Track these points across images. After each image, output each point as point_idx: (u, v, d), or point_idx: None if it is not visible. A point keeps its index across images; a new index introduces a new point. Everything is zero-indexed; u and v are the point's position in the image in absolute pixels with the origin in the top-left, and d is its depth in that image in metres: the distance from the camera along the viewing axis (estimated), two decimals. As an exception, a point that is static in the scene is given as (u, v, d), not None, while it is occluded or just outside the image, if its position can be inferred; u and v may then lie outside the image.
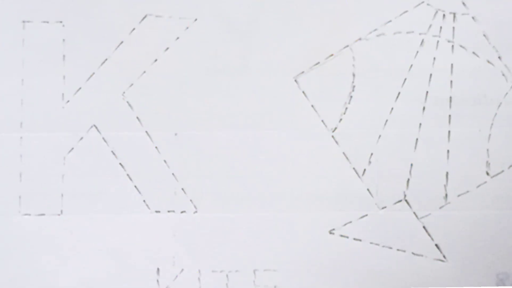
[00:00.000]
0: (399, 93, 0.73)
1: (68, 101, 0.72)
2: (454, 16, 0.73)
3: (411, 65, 0.73)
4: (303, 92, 0.73)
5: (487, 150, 0.73)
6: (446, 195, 0.74)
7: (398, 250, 0.74)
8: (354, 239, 0.73)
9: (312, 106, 0.73)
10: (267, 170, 0.73)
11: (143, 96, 0.72)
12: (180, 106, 0.72)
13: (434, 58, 0.73)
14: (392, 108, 0.73)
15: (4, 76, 0.71)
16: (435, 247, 0.74)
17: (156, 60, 0.72)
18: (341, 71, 0.73)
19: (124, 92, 0.72)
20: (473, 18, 0.73)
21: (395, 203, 0.74)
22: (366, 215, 0.73)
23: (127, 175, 0.72)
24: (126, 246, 0.72)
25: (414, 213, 0.74)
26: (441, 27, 0.73)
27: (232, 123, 0.73)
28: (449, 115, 0.73)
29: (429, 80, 0.73)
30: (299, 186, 0.73)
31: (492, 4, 0.73)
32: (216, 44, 0.73)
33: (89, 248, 0.72)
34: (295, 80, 0.73)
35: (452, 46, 0.73)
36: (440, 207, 0.74)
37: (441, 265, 0.74)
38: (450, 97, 0.73)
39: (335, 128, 0.73)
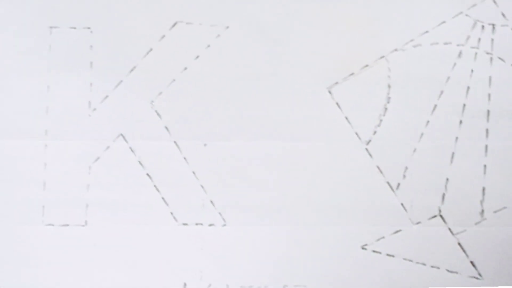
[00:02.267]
0: (435, 105, 0.72)
1: (94, 109, 0.71)
2: (493, 28, 0.72)
3: (448, 77, 0.72)
4: (336, 103, 0.72)
5: (525, 165, 0.72)
6: (482, 210, 0.73)
7: (432, 266, 0.72)
8: (387, 254, 0.72)
9: (345, 117, 0.72)
10: (298, 183, 0.72)
11: (172, 105, 0.71)
12: (210, 115, 0.71)
13: (472, 70, 0.72)
14: (428, 121, 0.72)
15: (30, 82, 0.70)
16: (470, 264, 0.73)
17: (185, 68, 0.71)
18: (376, 82, 0.72)
19: (152, 101, 0.71)
20: (512, 29, 0.73)
21: (430, 219, 0.72)
22: (400, 230, 0.72)
23: (154, 186, 0.71)
24: (152, 259, 0.71)
25: (449, 229, 0.72)
26: (479, 39, 0.72)
27: (263, 134, 0.71)
28: (487, 129, 0.72)
29: (467, 93, 0.72)
30: (331, 200, 0.72)
31: (531, 16, 0.72)
32: (248, 53, 0.72)
33: (113, 260, 0.71)
34: (329, 91, 0.72)
35: (491, 58, 0.72)
36: (476, 223, 0.73)
37: (476, 283, 0.73)
38: (488, 110, 0.72)
39: (369, 141, 0.72)
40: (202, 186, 0.72)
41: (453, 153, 0.72)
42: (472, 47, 0.72)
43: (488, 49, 0.72)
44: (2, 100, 0.70)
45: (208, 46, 0.71)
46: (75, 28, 0.70)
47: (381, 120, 0.72)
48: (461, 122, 0.72)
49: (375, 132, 0.72)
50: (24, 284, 0.70)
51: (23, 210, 0.70)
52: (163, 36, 0.71)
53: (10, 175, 0.70)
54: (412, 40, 0.72)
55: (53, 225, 0.71)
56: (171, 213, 0.71)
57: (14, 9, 0.70)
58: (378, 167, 0.72)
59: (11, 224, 0.70)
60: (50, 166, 0.70)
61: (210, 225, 0.72)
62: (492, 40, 0.72)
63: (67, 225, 0.71)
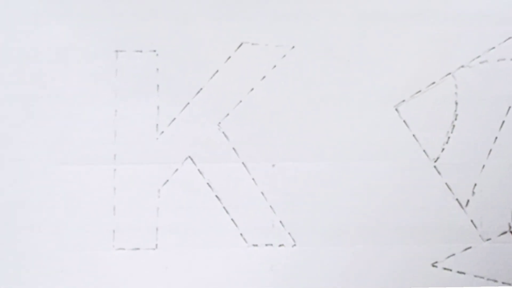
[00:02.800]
0: (503, 121, 0.72)
1: (162, 132, 0.71)
2: (561, 42, 0.72)
3: (516, 93, 0.72)
4: (404, 121, 0.72)
5: None
6: (552, 226, 0.72)
7: (503, 283, 0.72)
8: (458, 272, 0.72)
9: (413, 135, 0.72)
10: (367, 202, 0.71)
11: (239, 126, 0.71)
12: (278, 136, 0.71)
13: (540, 86, 0.72)
14: (496, 137, 0.71)
15: (97, 107, 0.70)
16: (541, 280, 0.72)
17: (252, 89, 0.71)
18: (443, 99, 0.72)
19: (219, 123, 0.71)
20: None
21: (500, 235, 0.72)
22: (470, 247, 0.72)
23: (223, 207, 0.71)
24: (223, 282, 0.71)
25: (520, 245, 0.72)
26: (547, 54, 0.72)
27: (330, 154, 0.71)
28: (556, 144, 0.72)
29: (535, 108, 0.72)
30: (400, 218, 0.71)
31: None
32: (314, 73, 0.71)
33: (184, 284, 0.71)
34: (396, 109, 0.72)
35: (559, 73, 0.72)
36: (546, 239, 0.72)
37: (547, 299, 0.72)
38: (557, 126, 0.72)
39: (437, 158, 0.72)
40: (271, 207, 0.71)
41: (522, 169, 0.72)
42: (540, 63, 0.72)
43: (556, 64, 0.72)
44: (70, 126, 0.70)
45: (274, 66, 0.71)
46: (141, 51, 0.70)
47: (449, 137, 0.72)
48: (530, 138, 0.72)
49: (443, 150, 0.72)
50: (96, 309, 0.70)
51: (93, 235, 0.70)
52: (229, 57, 0.71)
53: (80, 200, 0.70)
54: (478, 57, 0.72)
55: (124, 249, 0.70)
56: (241, 235, 0.71)
57: (80, 33, 0.70)
58: (447, 184, 0.72)
59: (82, 250, 0.70)
60: (119, 190, 0.70)
61: (280, 245, 0.71)
62: (560, 55, 0.72)
63: (138, 249, 0.70)
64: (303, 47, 0.71)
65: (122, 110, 0.70)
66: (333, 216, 0.71)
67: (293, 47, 0.71)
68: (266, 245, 0.71)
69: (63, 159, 0.70)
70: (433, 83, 0.72)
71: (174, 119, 0.71)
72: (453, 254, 0.72)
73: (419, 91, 0.71)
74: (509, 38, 0.72)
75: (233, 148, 0.71)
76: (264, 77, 0.71)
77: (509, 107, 0.72)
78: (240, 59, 0.71)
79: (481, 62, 0.72)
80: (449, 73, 0.72)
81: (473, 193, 0.72)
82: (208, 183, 0.71)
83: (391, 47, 0.71)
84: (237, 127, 0.71)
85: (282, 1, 0.71)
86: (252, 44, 0.71)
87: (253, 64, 0.71)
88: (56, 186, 0.70)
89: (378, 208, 0.71)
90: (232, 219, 0.71)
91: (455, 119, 0.72)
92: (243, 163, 0.71)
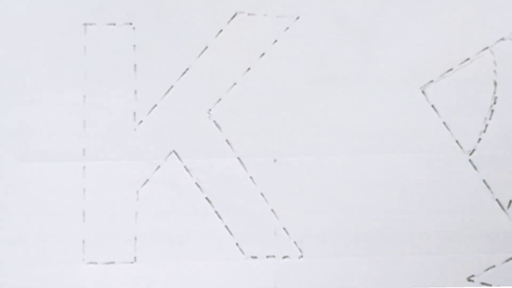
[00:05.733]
0: (552, 105, 0.68)
1: (141, 122, 0.67)
2: None
3: None
4: (432, 105, 0.67)
5: None
6: None
7: (553, 300, 0.68)
8: (498, 287, 0.67)
9: (443, 123, 0.67)
10: (388, 203, 0.67)
11: (234, 114, 0.67)
12: (279, 126, 0.67)
13: None
14: (544, 125, 0.68)
15: (62, 92, 0.66)
16: None
17: (248, 69, 0.67)
18: (480, 79, 0.67)
19: (210, 110, 0.67)
20: None
21: (549, 243, 0.68)
22: (513, 257, 0.68)
23: (216, 212, 0.67)
24: (216, 300, 0.67)
25: None
26: None
27: (344, 146, 0.67)
28: None
29: None
30: (427, 223, 0.67)
31: None
32: (325, 49, 0.67)
33: (169, 303, 0.67)
34: (423, 91, 0.67)
35: None
36: None
37: None
38: None
39: (473, 150, 0.67)
40: (273, 211, 0.67)
41: None
42: None
43: None
44: (31, 115, 0.66)
45: (275, 41, 0.67)
46: (114, 24, 0.67)
47: (486, 125, 0.67)
48: None
49: (479, 140, 0.67)
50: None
51: (59, 246, 0.66)
52: (221, 31, 0.67)
53: (43, 205, 0.66)
54: (522, 27, 0.68)
55: (96, 263, 0.66)
56: (237, 244, 0.67)
57: (41, 4, 0.66)
58: (484, 182, 0.67)
59: (46, 264, 0.66)
60: (89, 192, 0.66)
61: (284, 257, 0.67)
62: None
63: (113, 262, 0.66)
64: (310, 18, 0.67)
65: (93, 95, 0.67)
66: (347, 222, 0.67)
67: (298, 17, 0.67)
68: (267, 256, 0.67)
69: (22, 155, 0.66)
70: (467, 59, 0.67)
71: (155, 105, 0.67)
72: (493, 266, 0.67)
73: (451, 70, 0.67)
74: (559, 4, 0.68)
75: (227, 141, 0.67)
76: (262, 54, 0.67)
77: (560, 88, 0.68)
78: (234, 33, 0.67)
79: (525, 34, 0.68)
80: (487, 48, 0.67)
81: (517, 192, 0.68)
82: (196, 183, 0.67)
83: (417, 18, 0.67)
84: (230, 115, 0.67)
85: (284, -38, 0.68)
86: (248, 14, 0.67)
87: (249, 38, 0.67)
88: (14, 187, 0.66)
89: (401, 211, 0.67)
90: (226, 226, 0.67)
91: (494, 103, 0.67)
92: (238, 158, 0.67)
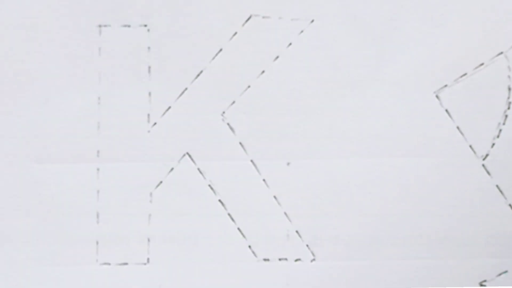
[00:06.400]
0: None
1: (155, 124, 0.67)
2: None
3: None
4: (446, 110, 0.67)
5: None
6: None
7: None
8: None
9: (457, 127, 0.67)
10: (401, 208, 0.67)
11: (247, 117, 0.67)
12: (293, 128, 0.67)
13: None
14: (559, 130, 0.68)
15: (77, 94, 0.66)
16: None
17: (263, 71, 0.67)
18: (494, 84, 0.67)
19: (223, 112, 0.67)
20: None
21: (562, 248, 0.69)
22: (526, 262, 0.68)
23: (229, 214, 0.67)
24: (228, 303, 0.69)
25: None
26: None
27: (357, 149, 0.67)
28: None
29: None
30: (442, 228, 0.67)
31: None
32: (339, 52, 0.67)
33: (182, 305, 0.68)
34: (437, 96, 0.67)
35: None
36: None
37: None
38: None
39: (486, 155, 0.67)
40: (285, 214, 0.67)
41: None
42: None
43: None
44: (45, 117, 0.66)
45: (290, 44, 0.67)
46: (129, 26, 0.66)
47: (500, 130, 0.67)
48: None
49: (493, 145, 0.67)
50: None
51: (73, 247, 0.66)
52: (235, 33, 0.67)
53: (58, 206, 0.66)
54: (538, 32, 0.68)
55: (109, 264, 0.67)
56: (250, 247, 0.67)
57: (55, 5, 0.66)
58: (497, 187, 0.67)
59: (59, 264, 0.66)
60: (103, 194, 0.67)
61: (297, 260, 0.67)
62: None
63: (126, 263, 0.67)
64: (325, 21, 0.67)
65: (107, 97, 0.66)
66: (360, 225, 0.67)
67: (312, 21, 0.67)
68: (280, 259, 0.67)
69: (36, 156, 0.66)
70: (482, 64, 0.67)
71: (169, 108, 0.67)
72: (506, 271, 0.67)
73: (465, 74, 0.67)
74: None
75: (240, 143, 0.67)
76: (277, 57, 0.67)
77: None
78: (248, 36, 0.67)
79: (541, 39, 0.68)
80: (501, 53, 0.66)
81: (530, 197, 0.68)
82: (209, 185, 0.67)
83: (431, 21, 0.66)
84: (244, 118, 0.67)
85: (299, -35, 0.68)
86: (263, 17, 0.67)
87: (264, 41, 0.67)
88: (28, 188, 0.66)
89: (414, 216, 0.67)
90: (238, 229, 0.67)
91: (508, 108, 0.67)
92: (251, 161, 0.67)
